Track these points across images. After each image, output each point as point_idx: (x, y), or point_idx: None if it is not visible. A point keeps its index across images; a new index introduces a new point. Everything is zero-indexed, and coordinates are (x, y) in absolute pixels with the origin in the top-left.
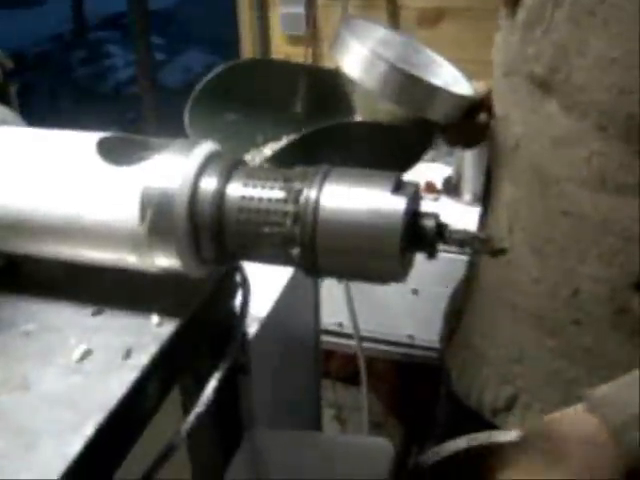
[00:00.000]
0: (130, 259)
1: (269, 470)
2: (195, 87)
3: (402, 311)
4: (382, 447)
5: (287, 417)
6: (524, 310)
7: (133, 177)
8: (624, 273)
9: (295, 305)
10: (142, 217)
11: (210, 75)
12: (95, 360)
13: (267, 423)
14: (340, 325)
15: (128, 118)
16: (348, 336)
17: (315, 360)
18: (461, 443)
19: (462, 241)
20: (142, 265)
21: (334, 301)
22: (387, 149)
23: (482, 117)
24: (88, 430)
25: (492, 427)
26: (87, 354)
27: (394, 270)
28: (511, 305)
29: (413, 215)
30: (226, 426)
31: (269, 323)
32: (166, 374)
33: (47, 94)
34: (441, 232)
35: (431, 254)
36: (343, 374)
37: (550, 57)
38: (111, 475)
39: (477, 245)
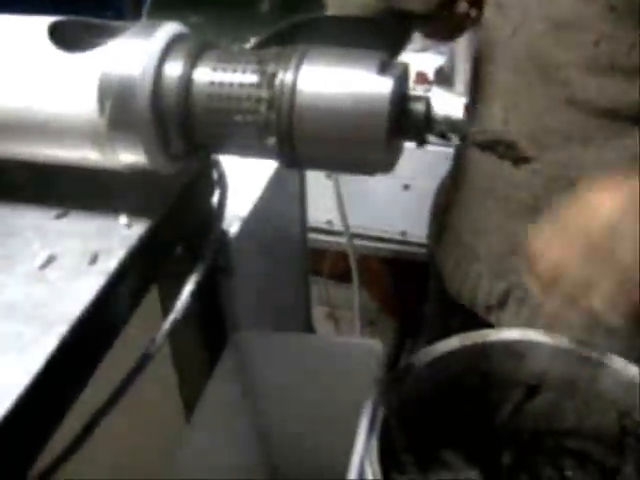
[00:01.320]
0: (92, 156)
1: (255, 372)
2: None
3: (393, 207)
4: (373, 348)
5: (275, 319)
6: (518, 202)
7: (89, 64)
8: (631, 157)
9: (280, 202)
10: (101, 108)
11: None
12: (59, 267)
13: (254, 325)
14: (330, 223)
15: None
16: (338, 234)
17: (302, 258)
18: (454, 342)
19: (454, 128)
20: (106, 162)
21: (323, 198)
22: (361, 44)
23: (462, 7)
24: (51, 343)
25: (485, 325)
26: (50, 260)
27: (380, 159)
28: (504, 198)
29: (401, 98)
30: (209, 329)
31: (252, 221)
32: (137, 279)
33: None
34: (431, 117)
35: (421, 142)
36: (335, 272)
37: None
38: (81, 387)
39: (470, 135)
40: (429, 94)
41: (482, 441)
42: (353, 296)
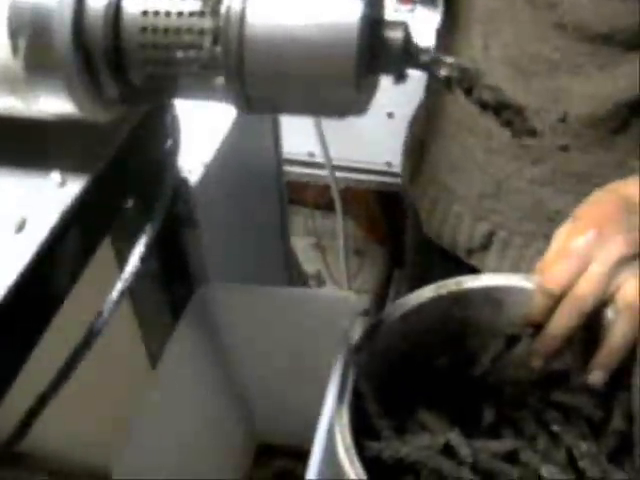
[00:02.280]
0: (11, 104)
1: (224, 325)
2: None
3: (377, 137)
4: (348, 300)
5: (251, 267)
6: (502, 139)
7: None
8: (625, 86)
9: (250, 140)
10: (14, 48)
11: None
12: None
13: (225, 276)
14: (311, 155)
15: None
16: (320, 166)
17: (279, 197)
18: (428, 292)
19: (437, 63)
20: (29, 111)
21: (302, 129)
22: None
23: None
24: None
25: (467, 267)
26: None
27: (350, 99)
28: (485, 134)
29: (373, 25)
30: (173, 283)
31: (216, 166)
32: (78, 243)
33: None
34: (411, 47)
35: (399, 77)
36: (321, 202)
37: None
38: (23, 360)
39: (458, 73)
40: (413, 14)
41: (461, 399)
42: (337, 228)
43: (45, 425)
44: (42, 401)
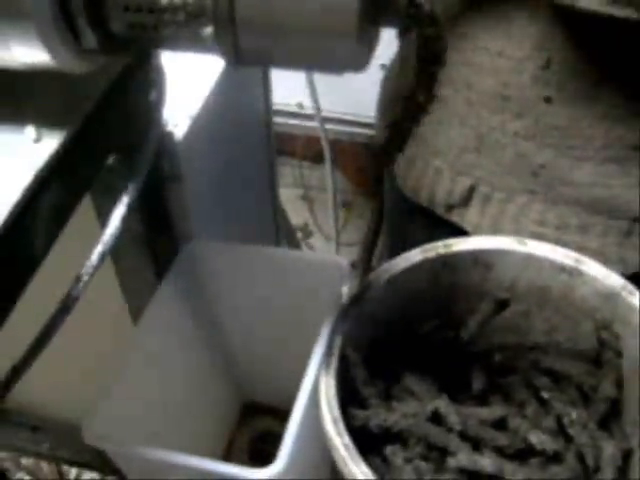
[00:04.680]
0: None
1: (207, 285)
2: None
3: (369, 89)
4: (338, 264)
5: (237, 225)
6: (483, 91)
7: None
8: None
9: (238, 91)
10: None
11: None
12: None
13: (210, 233)
14: (300, 106)
15: None
16: (310, 117)
17: (268, 149)
18: (415, 256)
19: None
20: (2, 62)
21: (292, 78)
22: None
23: None
24: None
25: (445, 224)
26: None
27: (350, 53)
28: (466, 86)
29: None
30: (157, 241)
31: (203, 119)
32: (54, 204)
33: None
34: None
35: (404, 30)
36: (309, 153)
37: None
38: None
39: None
40: None
41: (449, 365)
42: (326, 180)
43: (27, 383)
44: (23, 363)
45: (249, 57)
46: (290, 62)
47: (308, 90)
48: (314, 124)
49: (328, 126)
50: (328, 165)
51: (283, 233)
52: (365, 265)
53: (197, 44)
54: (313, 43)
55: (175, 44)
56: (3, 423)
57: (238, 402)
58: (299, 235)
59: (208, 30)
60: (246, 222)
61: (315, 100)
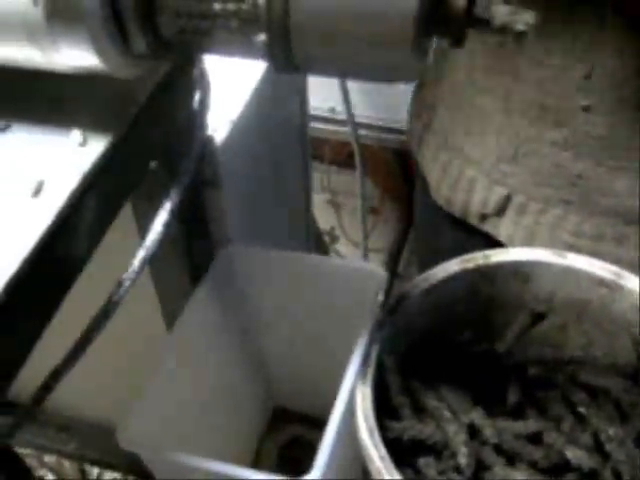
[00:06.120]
0: (31, 55)
1: (242, 289)
2: None
3: (401, 94)
4: (374, 272)
5: (272, 227)
6: (523, 101)
7: None
8: None
9: (277, 95)
10: None
11: None
12: None
13: (245, 238)
14: (332, 111)
15: None
16: (341, 122)
17: (303, 154)
18: (453, 266)
19: (505, 24)
20: (50, 64)
21: (325, 83)
22: None
23: None
24: None
25: (479, 234)
26: None
27: (406, 64)
28: (504, 95)
29: None
30: (194, 247)
31: (243, 123)
32: (98, 209)
33: None
34: (474, 7)
35: (458, 41)
36: (337, 158)
37: None
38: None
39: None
40: None
41: (485, 377)
42: (355, 184)
43: (62, 387)
44: (64, 366)
45: (301, 65)
46: (342, 71)
47: (340, 95)
48: (344, 129)
49: (358, 131)
50: (359, 170)
51: (311, 235)
52: (391, 271)
53: (248, 50)
54: (367, 53)
55: (226, 49)
56: (41, 426)
57: (268, 407)
58: (325, 240)
59: (261, 37)
60: (279, 226)
61: (348, 105)
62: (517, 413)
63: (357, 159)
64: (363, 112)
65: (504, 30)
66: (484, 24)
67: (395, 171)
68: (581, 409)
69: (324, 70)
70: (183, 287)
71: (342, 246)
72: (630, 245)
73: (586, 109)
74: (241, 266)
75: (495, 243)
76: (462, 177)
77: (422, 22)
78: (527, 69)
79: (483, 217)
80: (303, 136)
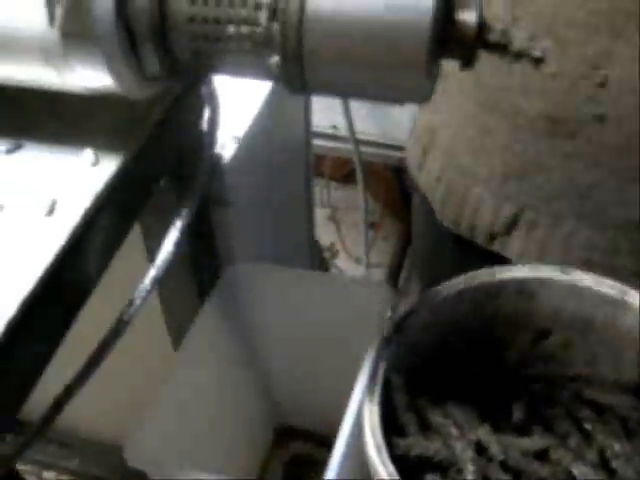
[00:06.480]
0: (46, 75)
1: (248, 307)
2: None
3: (401, 112)
4: (379, 289)
5: (276, 244)
6: (532, 115)
7: None
8: None
9: (282, 114)
10: (50, 15)
11: None
12: (7, 218)
13: (251, 255)
14: (334, 127)
15: None
16: (343, 139)
17: (305, 171)
18: (458, 284)
19: (522, 50)
20: (64, 85)
21: (327, 100)
22: None
23: None
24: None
25: (485, 254)
26: None
27: (418, 86)
28: (513, 111)
29: (446, 4)
30: (200, 264)
31: (249, 141)
32: (110, 228)
33: None
34: (484, 29)
35: (468, 62)
36: (337, 173)
37: None
38: (55, 345)
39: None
40: None
41: (490, 393)
42: (357, 199)
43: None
44: (75, 384)
45: (314, 86)
46: (355, 93)
47: (342, 112)
48: (345, 145)
49: (361, 149)
50: (361, 187)
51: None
52: (392, 287)
53: (261, 72)
54: (380, 75)
55: (238, 70)
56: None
57: (273, 424)
58: (326, 255)
59: (274, 59)
60: (283, 242)
61: (350, 123)
62: (523, 430)
63: (359, 176)
64: (363, 129)
65: (521, 55)
66: (501, 49)
67: (395, 187)
68: (587, 426)
69: (335, 91)
70: (190, 304)
71: (342, 261)
72: None
73: (600, 119)
74: (247, 283)
75: (496, 260)
76: (469, 196)
77: (434, 44)
78: (537, 83)
79: (492, 237)
80: (307, 153)
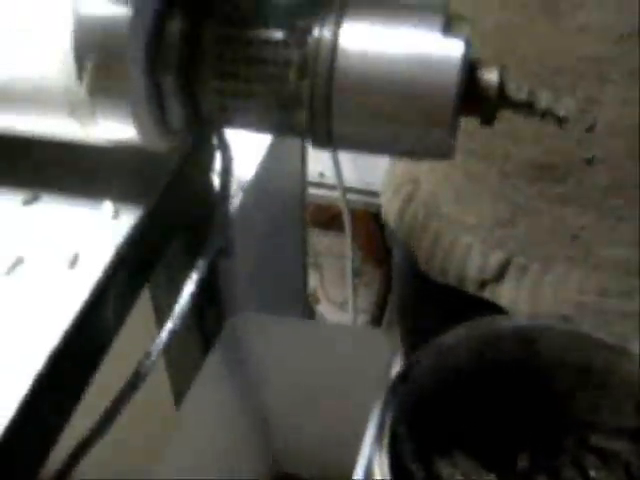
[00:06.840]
0: (70, 128)
1: (249, 357)
2: None
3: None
4: (378, 337)
5: (273, 298)
6: (521, 161)
7: (61, 4)
8: None
9: (282, 165)
10: (79, 69)
11: None
12: (28, 272)
13: (252, 306)
14: (321, 175)
15: None
16: (329, 187)
17: (301, 223)
18: (460, 333)
19: (548, 109)
20: (87, 137)
21: (313, 150)
22: None
23: None
24: (24, 384)
25: (473, 302)
26: (17, 264)
27: (442, 142)
28: (503, 157)
29: (470, 65)
30: (204, 316)
31: (253, 192)
32: (129, 281)
33: None
34: (506, 89)
35: (489, 120)
36: (319, 219)
37: None
38: (68, 414)
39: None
40: None
41: (495, 442)
42: (338, 246)
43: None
44: (92, 438)
45: (339, 142)
46: (379, 149)
47: (330, 161)
48: (331, 193)
49: (348, 196)
50: (348, 234)
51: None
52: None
53: (286, 127)
54: (405, 132)
55: (262, 126)
56: None
57: (271, 474)
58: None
59: (302, 116)
60: (280, 290)
61: (338, 171)
62: (527, 478)
63: (346, 223)
64: (346, 175)
65: (546, 114)
66: (527, 107)
67: (376, 234)
68: (592, 473)
69: (359, 146)
70: (194, 354)
71: (323, 307)
72: (636, 298)
73: (589, 161)
74: (249, 334)
75: (483, 307)
76: (457, 245)
77: (459, 102)
78: (527, 129)
79: (482, 284)
80: (302, 202)
